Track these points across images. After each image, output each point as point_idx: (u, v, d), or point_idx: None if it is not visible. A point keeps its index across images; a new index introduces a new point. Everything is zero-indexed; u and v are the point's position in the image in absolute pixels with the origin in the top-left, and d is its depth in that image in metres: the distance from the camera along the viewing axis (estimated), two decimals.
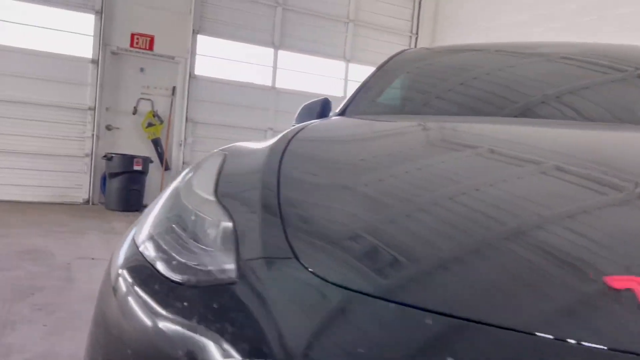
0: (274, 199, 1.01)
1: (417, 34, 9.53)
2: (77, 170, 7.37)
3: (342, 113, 2.06)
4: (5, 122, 6.95)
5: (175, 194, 1.19)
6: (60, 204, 7.19)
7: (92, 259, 4.22)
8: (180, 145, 7.97)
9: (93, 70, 7.32)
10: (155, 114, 7.73)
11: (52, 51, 7.09)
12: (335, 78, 9.07)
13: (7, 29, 6.88)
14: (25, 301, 3.02)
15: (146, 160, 7.24)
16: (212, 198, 1.08)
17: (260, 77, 8.50)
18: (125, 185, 7.03)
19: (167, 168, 7.89)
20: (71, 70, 7.22)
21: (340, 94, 9.05)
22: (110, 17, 7.34)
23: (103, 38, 7.31)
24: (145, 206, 7.41)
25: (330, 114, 2.43)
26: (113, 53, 7.43)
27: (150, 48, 7.62)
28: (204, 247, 0.98)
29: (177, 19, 7.75)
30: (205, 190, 1.12)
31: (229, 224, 0.98)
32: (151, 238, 1.08)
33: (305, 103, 2.55)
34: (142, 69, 7.64)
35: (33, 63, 6.99)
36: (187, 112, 7.96)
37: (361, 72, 9.16)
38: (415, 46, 9.54)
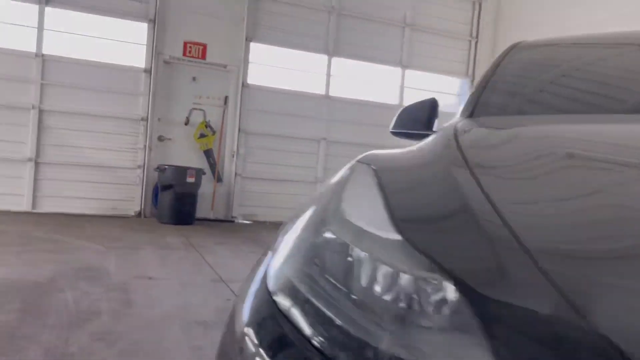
0: (513, 244, 0.63)
1: (477, 37, 9.05)
2: (129, 182, 7.22)
3: (471, 115, 1.68)
4: (59, 133, 6.87)
5: (319, 223, 0.82)
6: (112, 216, 7.04)
7: (149, 278, 3.94)
8: (233, 156, 7.72)
9: (146, 80, 7.18)
10: (207, 125, 7.52)
11: (106, 61, 6.98)
12: (391, 85, 8.67)
13: (62, 40, 6.81)
14: (83, 328, 2.74)
15: (199, 172, 7.02)
16: (393, 235, 0.70)
17: (313, 85, 8.19)
18: (178, 198, 6.81)
19: (219, 180, 7.65)
20: (124, 80, 7.10)
21: (395, 101, 8.65)
22: (163, 25, 7.20)
23: (156, 47, 7.16)
24: (197, 220, 7.20)
25: (441, 119, 2.06)
26: (166, 62, 7.28)
27: (203, 57, 7.43)
28: (394, 315, 0.61)
29: (230, 27, 7.54)
30: (371, 222, 0.75)
31: (446, 283, 0.60)
32: (290, 286, 0.74)
33: (407, 105, 2.18)
34: (194, 78, 7.46)
35: (87, 73, 6.90)
36: (239, 122, 7.71)
37: (417, 79, 8.74)
38: (475, 51, 9.06)
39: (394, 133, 2.07)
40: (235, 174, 7.76)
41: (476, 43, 9.06)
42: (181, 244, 5.52)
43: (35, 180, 6.82)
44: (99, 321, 2.88)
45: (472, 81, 9.08)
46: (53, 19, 6.75)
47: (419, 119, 1.98)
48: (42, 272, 3.81)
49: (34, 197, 6.83)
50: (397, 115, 2.10)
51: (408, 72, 8.68)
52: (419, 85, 8.74)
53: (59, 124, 6.87)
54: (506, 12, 8.84)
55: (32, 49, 6.69)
